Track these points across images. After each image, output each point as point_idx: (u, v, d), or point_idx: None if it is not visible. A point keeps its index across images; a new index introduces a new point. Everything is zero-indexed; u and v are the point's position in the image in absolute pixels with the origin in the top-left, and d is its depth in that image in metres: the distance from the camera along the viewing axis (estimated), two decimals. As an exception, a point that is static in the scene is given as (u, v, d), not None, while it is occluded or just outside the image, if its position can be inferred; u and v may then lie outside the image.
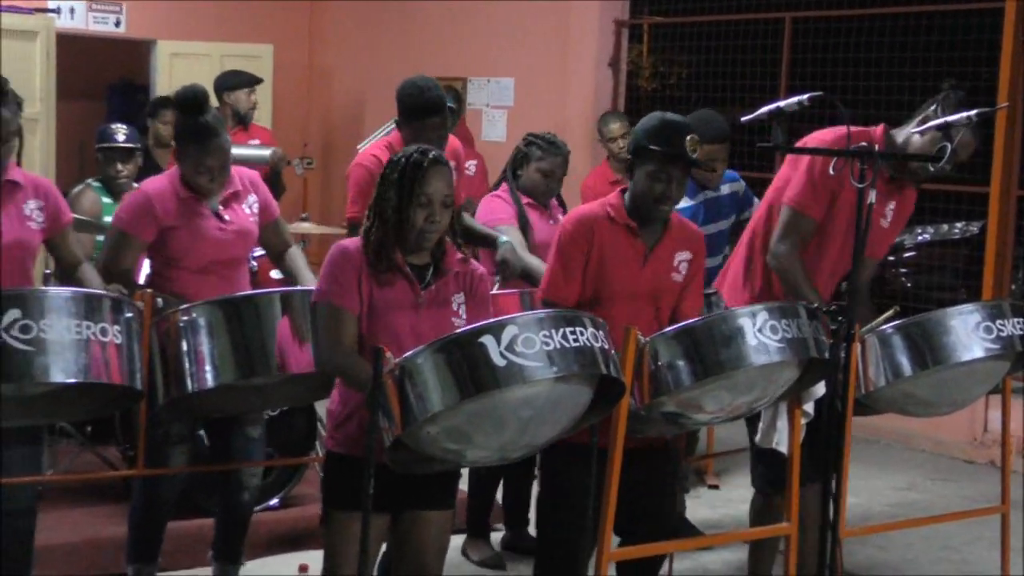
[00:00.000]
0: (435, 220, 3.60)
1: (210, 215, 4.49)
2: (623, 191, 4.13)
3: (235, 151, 4.71)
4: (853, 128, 4.48)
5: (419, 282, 3.65)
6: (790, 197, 4.48)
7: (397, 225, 3.59)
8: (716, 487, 6.81)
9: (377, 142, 5.36)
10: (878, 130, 4.50)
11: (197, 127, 4.40)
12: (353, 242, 3.67)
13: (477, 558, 5.53)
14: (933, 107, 4.43)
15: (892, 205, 4.57)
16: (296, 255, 4.79)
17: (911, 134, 4.46)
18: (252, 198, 4.63)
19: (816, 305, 3.97)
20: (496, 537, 5.68)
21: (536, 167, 5.39)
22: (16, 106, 4.13)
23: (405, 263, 3.63)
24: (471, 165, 7.89)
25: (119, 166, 6.17)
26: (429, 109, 4.91)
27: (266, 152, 7.65)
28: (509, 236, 5.20)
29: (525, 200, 5.38)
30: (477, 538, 5.58)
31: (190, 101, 4.43)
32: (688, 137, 3.96)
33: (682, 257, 4.12)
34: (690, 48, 10.01)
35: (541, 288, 4.13)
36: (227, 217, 4.51)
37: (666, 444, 4.20)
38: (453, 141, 5.26)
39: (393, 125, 7.20)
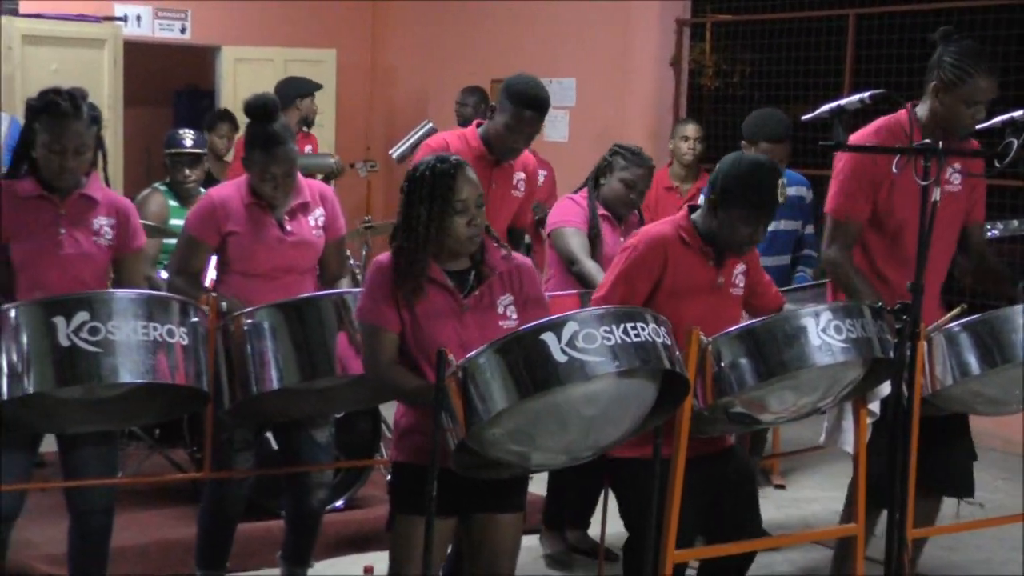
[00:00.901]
0: (476, 223, 3.58)
1: (273, 224, 4.51)
2: (691, 209, 4.10)
3: (300, 159, 4.72)
4: (881, 120, 4.43)
5: (461, 289, 3.62)
6: (827, 206, 4.49)
7: (427, 239, 3.54)
8: (782, 487, 6.76)
9: (449, 131, 5.35)
10: (903, 114, 4.42)
11: (265, 135, 4.43)
12: (389, 256, 3.65)
13: (547, 551, 5.59)
14: (937, 70, 4.32)
15: (956, 165, 4.47)
16: (343, 287, 4.68)
17: (932, 104, 4.37)
18: (319, 211, 4.63)
19: (880, 304, 3.93)
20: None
21: (619, 176, 5.31)
22: (92, 119, 4.18)
23: (442, 272, 3.60)
24: (541, 175, 7.86)
25: (187, 171, 6.24)
26: (533, 102, 4.99)
27: (331, 160, 7.69)
28: (574, 239, 5.17)
29: (601, 212, 5.30)
30: (552, 530, 5.62)
31: (260, 109, 4.47)
32: (780, 183, 3.95)
33: (738, 271, 4.13)
34: (753, 46, 9.94)
35: (599, 296, 4.05)
36: (289, 227, 4.53)
37: (732, 446, 4.19)
38: (525, 153, 5.27)
39: (430, 124, 7.14)
